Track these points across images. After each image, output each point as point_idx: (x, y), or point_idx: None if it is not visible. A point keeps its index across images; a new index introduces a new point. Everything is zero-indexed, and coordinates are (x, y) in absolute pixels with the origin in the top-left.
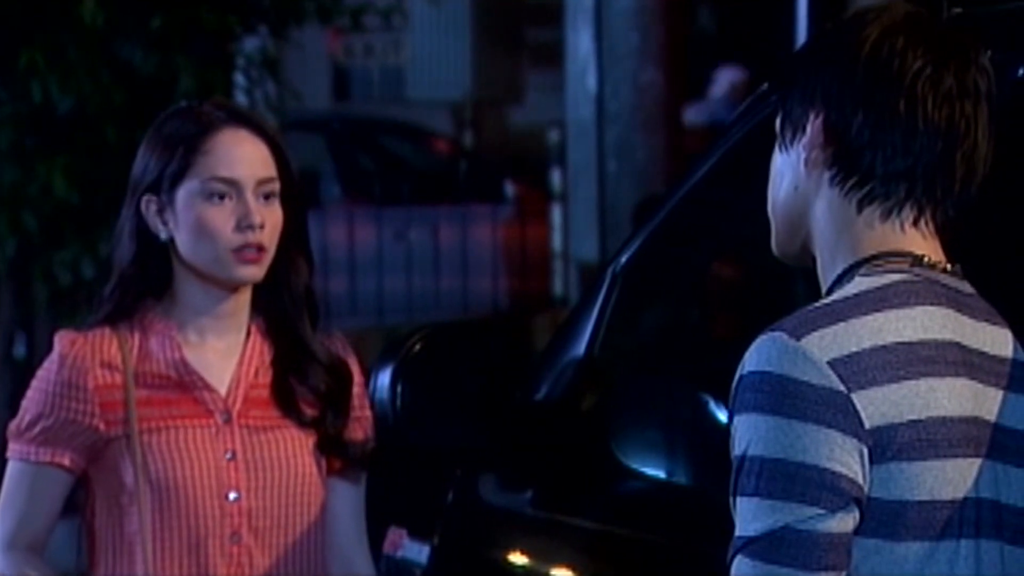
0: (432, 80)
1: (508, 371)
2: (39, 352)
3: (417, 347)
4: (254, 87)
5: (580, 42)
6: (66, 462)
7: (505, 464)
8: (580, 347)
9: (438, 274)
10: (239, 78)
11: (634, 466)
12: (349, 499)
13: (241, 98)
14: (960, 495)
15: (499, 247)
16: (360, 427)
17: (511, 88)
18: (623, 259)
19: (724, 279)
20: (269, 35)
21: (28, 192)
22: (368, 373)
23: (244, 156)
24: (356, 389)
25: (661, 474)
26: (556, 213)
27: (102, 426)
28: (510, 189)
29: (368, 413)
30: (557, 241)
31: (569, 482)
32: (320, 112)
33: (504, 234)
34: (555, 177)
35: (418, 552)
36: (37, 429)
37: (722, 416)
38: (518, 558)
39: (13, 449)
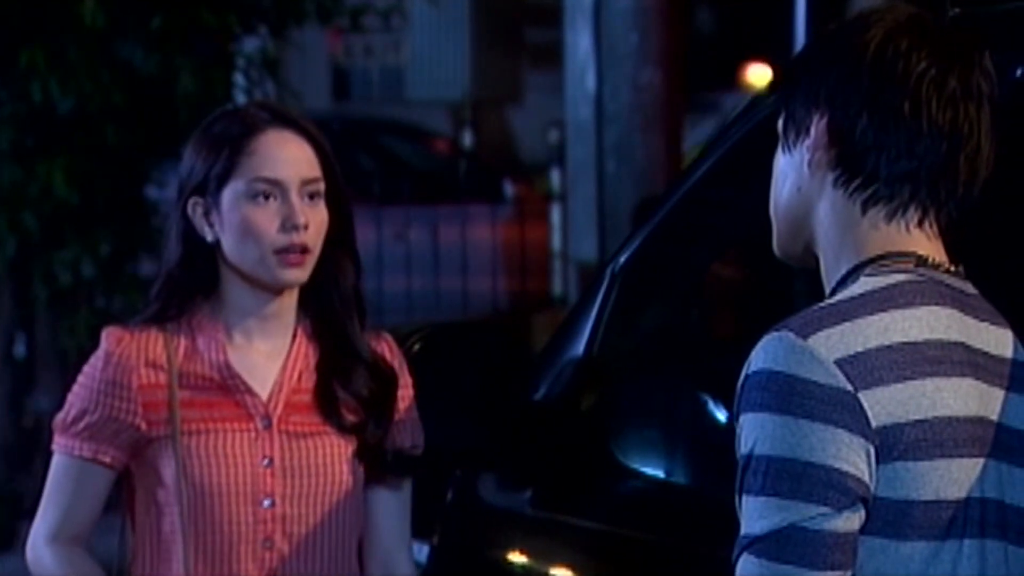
0: (432, 80)
1: (508, 371)
2: (39, 352)
3: (417, 347)
4: (254, 87)
5: (579, 42)
6: (107, 459)
7: (505, 464)
8: (579, 347)
9: (438, 274)
10: (239, 78)
11: (634, 466)
12: (391, 504)
13: (241, 98)
14: (965, 495)
15: (499, 247)
16: (405, 431)
17: (511, 88)
18: (622, 259)
19: (724, 279)
20: (269, 35)
21: (28, 192)
22: None
23: (288, 157)
24: (402, 391)
25: (661, 474)
26: (556, 213)
27: (144, 425)
28: (510, 189)
29: (415, 417)
30: (556, 241)
31: (569, 482)
32: (320, 112)
33: (504, 234)
34: (555, 177)
35: (418, 552)
36: (82, 425)
37: (722, 416)
38: (518, 558)
39: (59, 443)
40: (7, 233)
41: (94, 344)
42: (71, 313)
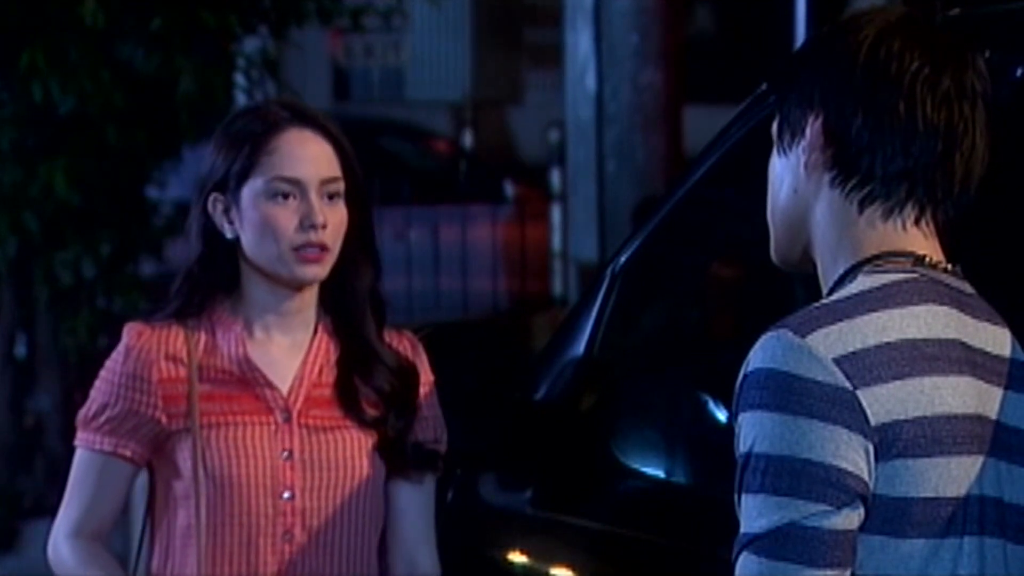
0: (432, 80)
1: (508, 371)
2: (40, 352)
3: None
4: (254, 88)
5: (580, 42)
6: (128, 453)
7: (505, 464)
8: (580, 347)
9: (438, 274)
10: (239, 79)
11: (634, 466)
12: (414, 499)
13: (241, 99)
14: (964, 492)
15: (499, 247)
16: (427, 428)
17: (511, 88)
18: (622, 259)
19: (724, 279)
20: (269, 36)
21: (29, 192)
22: None
23: (308, 156)
24: (423, 389)
25: (661, 474)
26: (556, 213)
27: (164, 419)
28: (510, 189)
29: (438, 413)
30: (557, 241)
31: (569, 482)
32: None
33: (504, 234)
34: (555, 177)
35: None
36: (103, 419)
37: (721, 416)
38: (518, 558)
39: (80, 438)
40: (8, 233)
41: (94, 344)
42: (72, 313)
